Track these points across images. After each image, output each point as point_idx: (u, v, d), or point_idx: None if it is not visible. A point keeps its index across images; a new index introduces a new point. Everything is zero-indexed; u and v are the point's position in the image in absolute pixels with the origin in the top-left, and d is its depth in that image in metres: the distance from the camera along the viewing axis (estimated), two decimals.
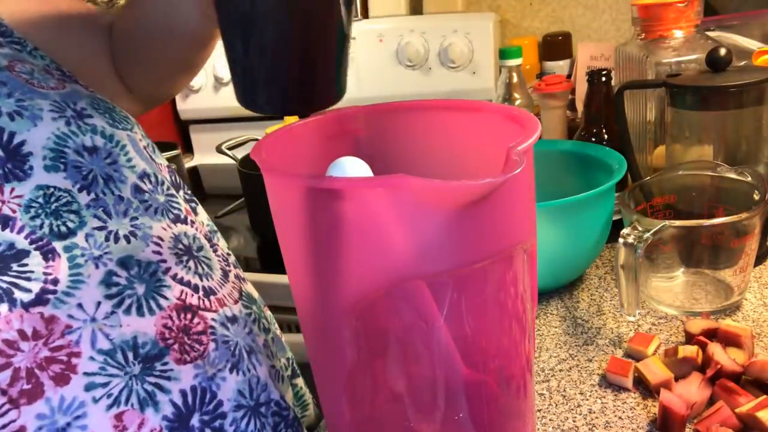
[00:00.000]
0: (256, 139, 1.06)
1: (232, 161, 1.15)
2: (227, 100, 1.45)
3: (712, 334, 0.52)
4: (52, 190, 0.36)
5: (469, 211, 0.30)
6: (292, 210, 0.34)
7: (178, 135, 1.57)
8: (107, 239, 0.37)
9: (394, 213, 0.29)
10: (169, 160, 1.25)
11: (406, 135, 0.44)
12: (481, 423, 0.36)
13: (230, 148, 1.18)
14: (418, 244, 0.30)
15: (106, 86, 0.48)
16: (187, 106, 1.47)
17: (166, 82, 0.52)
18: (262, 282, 0.95)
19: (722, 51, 0.65)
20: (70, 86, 0.41)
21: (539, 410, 0.49)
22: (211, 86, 1.44)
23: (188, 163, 1.49)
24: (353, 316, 0.32)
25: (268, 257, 1.04)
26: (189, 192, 0.50)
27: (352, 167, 0.34)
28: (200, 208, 0.51)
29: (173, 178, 0.47)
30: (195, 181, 1.44)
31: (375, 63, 1.33)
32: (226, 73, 1.40)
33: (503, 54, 0.85)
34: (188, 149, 1.57)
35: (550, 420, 0.48)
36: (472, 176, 0.29)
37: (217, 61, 1.39)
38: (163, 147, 1.28)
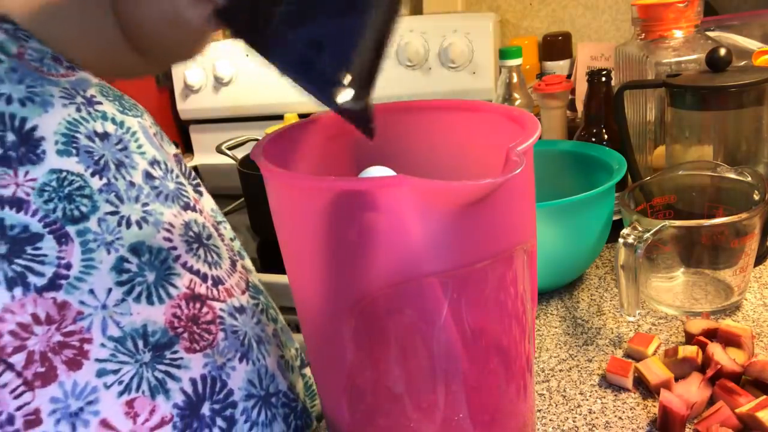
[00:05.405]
0: (256, 139, 1.06)
1: (232, 161, 1.15)
2: (227, 100, 1.45)
3: (712, 335, 0.52)
4: (65, 173, 0.36)
5: (470, 211, 0.30)
6: (291, 210, 0.34)
7: (178, 135, 1.57)
8: (119, 224, 0.37)
9: (394, 213, 0.29)
10: None
11: (406, 135, 0.44)
12: (482, 423, 0.36)
13: (230, 148, 1.18)
14: (419, 244, 0.30)
15: (119, 56, 0.47)
16: (187, 106, 1.47)
17: (175, 58, 0.51)
18: (261, 282, 0.95)
19: (722, 51, 0.65)
20: (78, 74, 0.41)
21: (539, 410, 0.49)
22: (211, 86, 1.43)
23: (188, 163, 1.49)
24: (354, 316, 0.32)
25: (268, 257, 1.04)
26: (195, 181, 0.50)
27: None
28: (207, 197, 0.51)
29: (181, 166, 0.48)
30: None
31: None
32: (226, 73, 1.40)
33: (503, 54, 0.85)
34: (188, 149, 1.57)
35: (550, 420, 0.48)
36: (473, 176, 0.29)
37: (217, 61, 1.40)
38: None
